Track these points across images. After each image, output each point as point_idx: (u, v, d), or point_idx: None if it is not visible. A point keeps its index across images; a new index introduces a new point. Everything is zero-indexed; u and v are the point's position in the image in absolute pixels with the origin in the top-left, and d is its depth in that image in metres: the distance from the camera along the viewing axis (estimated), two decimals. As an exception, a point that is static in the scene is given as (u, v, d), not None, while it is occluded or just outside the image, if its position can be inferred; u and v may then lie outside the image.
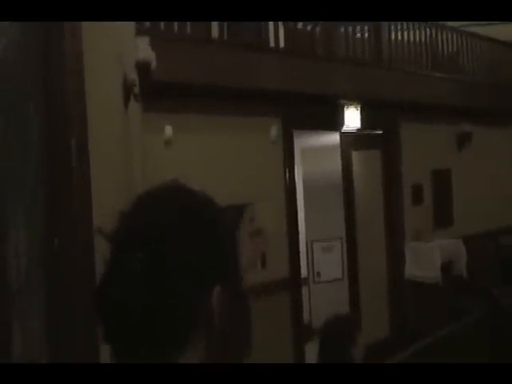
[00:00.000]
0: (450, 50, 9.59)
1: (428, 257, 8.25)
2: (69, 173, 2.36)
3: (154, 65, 4.43)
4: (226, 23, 6.54)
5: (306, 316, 7.87)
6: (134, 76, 4.28)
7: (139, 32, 5.26)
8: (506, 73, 10.57)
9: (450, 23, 9.71)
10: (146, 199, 1.18)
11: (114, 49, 3.80)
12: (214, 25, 6.33)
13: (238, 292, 1.19)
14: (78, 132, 2.45)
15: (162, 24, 6.09)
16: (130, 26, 4.87)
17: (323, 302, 8.37)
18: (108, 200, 2.65)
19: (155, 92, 5.23)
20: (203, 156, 6.16)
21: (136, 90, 4.31)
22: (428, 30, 9.13)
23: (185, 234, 1.11)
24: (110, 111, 3.46)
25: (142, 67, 4.34)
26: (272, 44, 7.00)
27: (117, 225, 1.15)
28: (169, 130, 5.79)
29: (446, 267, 8.46)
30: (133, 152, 4.77)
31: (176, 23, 6.29)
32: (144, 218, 1.13)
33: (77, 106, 2.44)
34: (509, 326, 6.73)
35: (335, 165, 8.18)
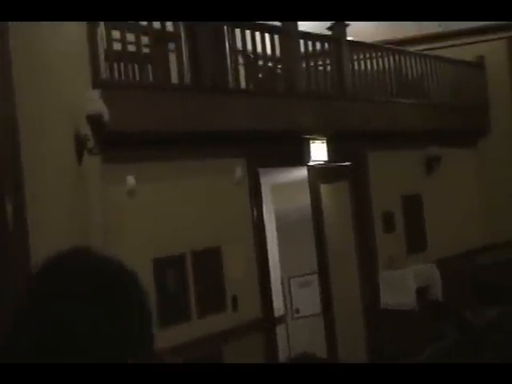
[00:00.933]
0: (413, 74, 9.69)
1: (403, 284, 8.28)
2: (4, 236, 2.36)
3: (106, 117, 4.45)
4: (185, 68, 6.62)
5: (284, 354, 7.84)
6: (86, 130, 4.31)
7: (92, 85, 5.33)
8: (470, 93, 10.70)
9: (413, 48, 9.86)
10: (56, 265, 1.15)
11: (65, 104, 3.84)
12: (174, 70, 6.40)
13: (151, 361, 1.16)
14: (14, 192, 2.45)
15: (122, 73, 6.17)
16: (81, 80, 4.92)
17: (303, 337, 8.39)
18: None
19: (115, 143, 5.26)
20: (168, 203, 6.18)
21: (90, 144, 4.34)
22: (391, 56, 9.23)
23: (93, 303, 1.09)
24: (59, 167, 3.48)
25: (95, 120, 4.37)
26: (232, 85, 7.06)
27: (26, 287, 1.14)
28: (131, 180, 5.81)
29: (422, 292, 8.50)
30: (92, 205, 4.77)
31: (135, 70, 6.37)
32: (51, 284, 1.12)
33: (12, 166, 2.44)
34: (482, 349, 6.74)
35: (305, 199, 8.21)
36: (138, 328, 1.13)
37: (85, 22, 5.39)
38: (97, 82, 5.51)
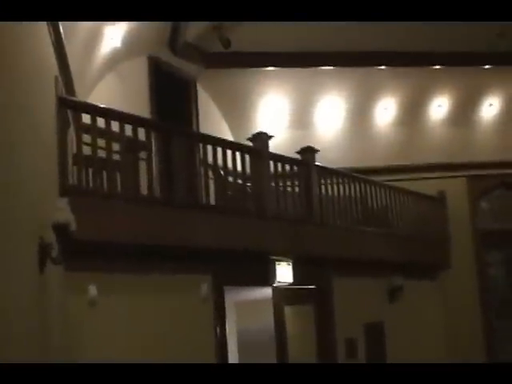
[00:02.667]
0: (378, 204, 9.83)
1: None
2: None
3: (73, 226, 4.29)
4: (155, 179, 6.57)
5: None
6: (51, 238, 4.15)
7: (59, 191, 5.22)
8: (432, 226, 10.88)
9: (378, 178, 10.06)
10: None
11: (31, 210, 3.70)
12: (144, 184, 6.33)
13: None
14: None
15: (90, 183, 6.08)
16: (48, 185, 4.80)
17: None
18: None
19: (79, 252, 5.09)
20: (129, 316, 5.96)
21: (54, 253, 4.17)
22: (357, 184, 9.38)
23: None
24: (21, 275, 3.29)
25: (61, 229, 4.21)
26: (203, 201, 7.01)
27: None
28: (93, 289, 5.60)
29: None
30: (52, 314, 4.55)
31: (103, 177, 6.29)
32: None
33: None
34: None
35: (269, 319, 8.03)
36: None
37: (55, 125, 5.37)
38: (64, 188, 5.41)
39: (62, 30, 5.35)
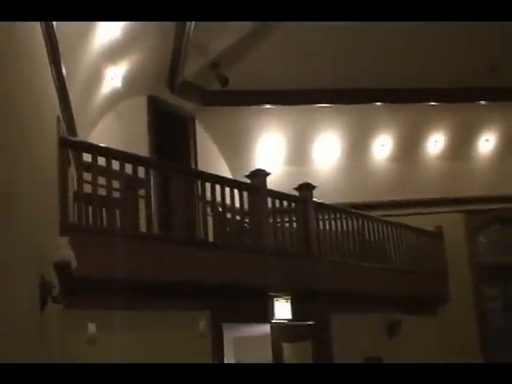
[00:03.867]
0: (376, 238, 9.88)
1: None
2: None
3: (74, 264, 4.35)
4: (154, 216, 6.64)
5: None
6: (52, 277, 4.20)
7: (60, 229, 5.28)
8: (429, 261, 10.92)
9: (376, 213, 10.12)
10: None
11: (31, 250, 3.76)
12: (143, 221, 6.40)
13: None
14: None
15: (90, 220, 6.15)
16: (49, 222, 4.87)
17: None
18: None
19: (79, 289, 5.12)
20: (128, 353, 5.96)
21: (55, 291, 4.22)
22: (354, 219, 9.44)
23: None
24: (22, 314, 3.34)
25: (62, 268, 4.26)
26: (201, 237, 7.07)
27: None
28: (92, 327, 5.63)
29: None
30: (52, 351, 4.58)
31: (103, 215, 6.36)
32: None
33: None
34: None
35: (267, 355, 8.02)
36: None
37: (56, 163, 5.46)
38: (65, 226, 5.48)
39: (64, 70, 5.48)
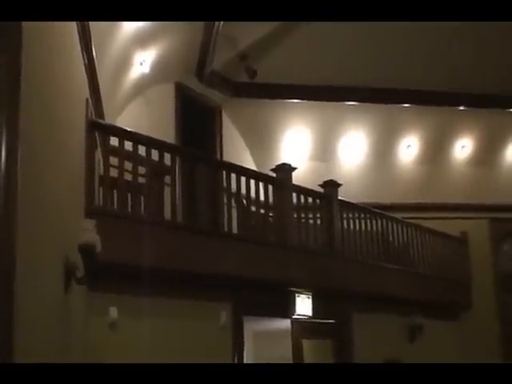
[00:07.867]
0: (400, 241, 9.74)
1: None
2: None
3: (98, 247, 4.26)
4: (179, 204, 6.54)
5: None
6: (76, 258, 4.12)
7: (86, 214, 5.20)
8: (453, 267, 10.75)
9: (399, 215, 9.95)
10: None
11: (57, 232, 3.66)
12: (167, 209, 6.30)
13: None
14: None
15: (115, 205, 6.06)
16: (75, 205, 4.78)
17: None
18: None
19: (103, 273, 5.05)
20: (149, 340, 5.87)
21: (79, 273, 4.14)
22: (379, 220, 9.29)
23: None
24: (44, 295, 3.24)
25: (87, 250, 4.18)
26: (225, 229, 6.96)
27: None
28: (114, 311, 5.55)
29: None
30: (74, 333, 4.50)
31: (129, 205, 6.27)
32: None
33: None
34: None
35: (287, 351, 7.89)
36: None
37: (83, 147, 5.37)
38: (90, 210, 5.40)
39: (94, 53, 5.39)
